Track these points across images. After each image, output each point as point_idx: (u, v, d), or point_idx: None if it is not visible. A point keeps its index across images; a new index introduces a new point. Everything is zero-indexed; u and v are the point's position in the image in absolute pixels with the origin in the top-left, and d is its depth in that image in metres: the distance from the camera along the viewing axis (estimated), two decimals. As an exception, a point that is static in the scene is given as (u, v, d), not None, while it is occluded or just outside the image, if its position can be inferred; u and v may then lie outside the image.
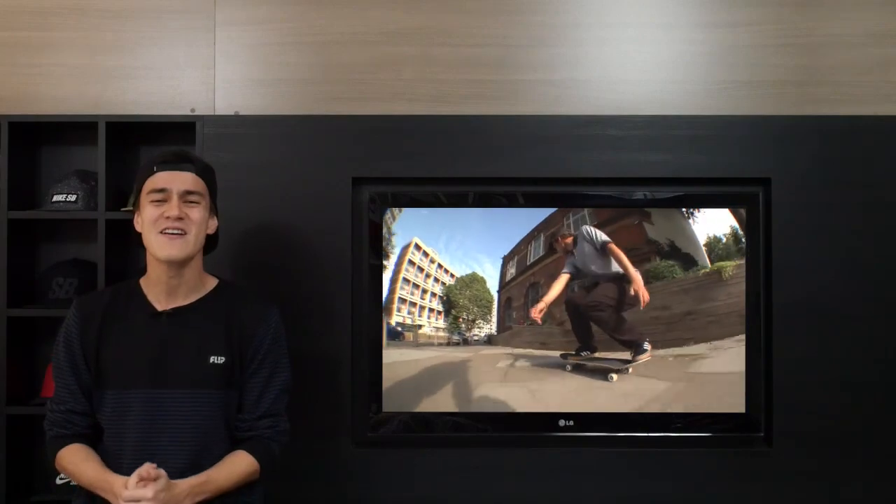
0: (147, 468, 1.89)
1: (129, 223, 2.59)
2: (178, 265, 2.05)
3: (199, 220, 2.06)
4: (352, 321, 2.64)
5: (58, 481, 2.66)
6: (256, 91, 2.68)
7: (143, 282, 2.13)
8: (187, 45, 2.69)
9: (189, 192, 2.05)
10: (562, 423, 2.65)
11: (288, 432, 2.16)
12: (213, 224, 2.14)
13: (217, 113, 2.67)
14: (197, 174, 2.08)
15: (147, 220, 2.05)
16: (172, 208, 2.02)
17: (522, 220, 2.67)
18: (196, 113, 2.66)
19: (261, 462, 2.07)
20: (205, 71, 2.68)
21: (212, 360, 2.06)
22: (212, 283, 2.15)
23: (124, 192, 2.71)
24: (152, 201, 2.04)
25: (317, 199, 2.63)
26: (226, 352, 2.07)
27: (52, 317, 2.64)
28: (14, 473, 2.63)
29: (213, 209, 2.14)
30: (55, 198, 2.64)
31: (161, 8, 2.69)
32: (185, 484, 1.94)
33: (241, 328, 2.10)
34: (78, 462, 2.02)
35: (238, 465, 2.05)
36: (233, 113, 2.67)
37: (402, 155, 2.65)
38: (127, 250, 2.75)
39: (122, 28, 2.69)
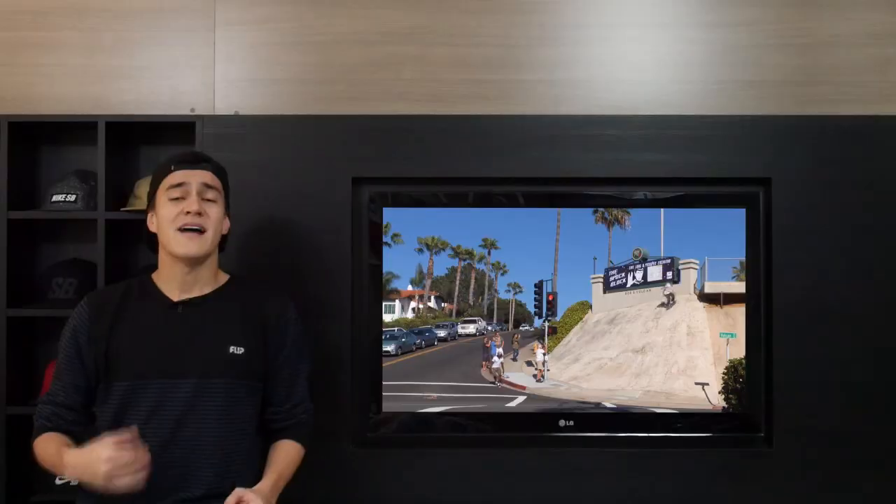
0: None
1: (130, 223, 2.62)
2: (195, 262, 2.07)
3: (217, 217, 2.09)
4: (352, 321, 2.64)
5: (57, 481, 2.66)
6: (256, 91, 2.68)
7: (155, 277, 2.14)
8: (187, 45, 2.69)
9: (207, 187, 2.07)
10: (562, 423, 2.65)
11: (313, 415, 2.24)
12: (226, 224, 2.16)
13: (217, 113, 2.67)
14: (214, 173, 2.11)
15: (165, 217, 2.05)
16: (192, 203, 2.04)
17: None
18: (196, 113, 2.66)
19: (305, 445, 2.18)
20: (205, 71, 2.68)
21: (231, 350, 2.07)
22: (224, 277, 2.18)
23: (124, 192, 2.71)
24: (171, 199, 2.05)
25: (317, 199, 2.63)
26: (245, 342, 2.09)
27: (52, 317, 2.64)
28: (14, 473, 2.64)
29: (227, 209, 2.16)
30: (55, 198, 2.64)
31: (161, 8, 2.69)
32: (266, 484, 2.02)
33: (263, 319, 2.13)
34: (46, 447, 2.03)
35: (292, 454, 2.15)
36: (233, 113, 2.67)
37: (402, 155, 2.65)
38: (127, 250, 2.75)
39: (122, 28, 2.69)
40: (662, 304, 2.69)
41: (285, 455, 2.13)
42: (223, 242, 2.18)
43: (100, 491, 1.87)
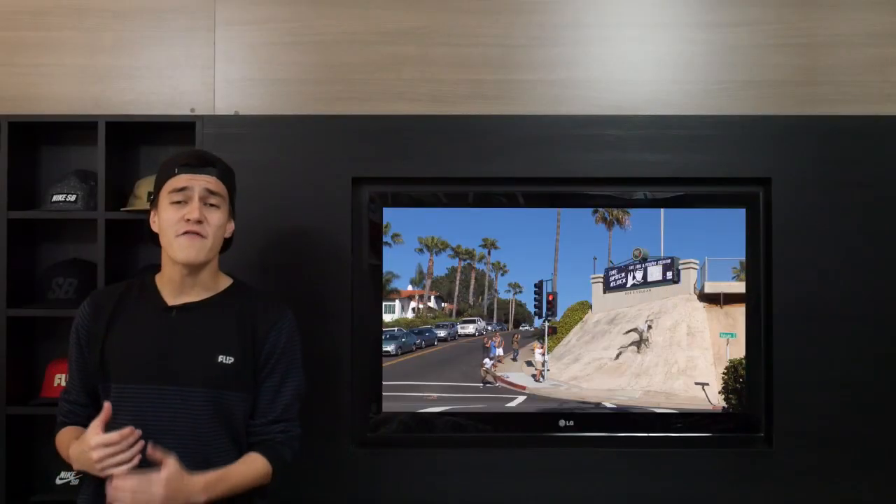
0: (151, 450, 1.88)
1: (130, 223, 2.62)
2: (195, 267, 2.04)
3: (218, 224, 2.04)
4: (352, 321, 2.64)
5: (57, 481, 2.66)
6: (256, 91, 2.68)
7: (157, 278, 2.12)
8: (187, 45, 2.69)
9: (210, 193, 2.03)
10: (562, 423, 2.65)
11: (299, 438, 2.12)
12: (230, 227, 2.11)
13: (217, 113, 2.67)
14: (218, 177, 2.06)
15: (166, 222, 2.02)
16: (193, 211, 2.00)
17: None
18: (196, 113, 2.66)
19: (273, 466, 2.05)
20: (205, 71, 2.69)
21: (220, 359, 2.03)
22: (225, 282, 2.14)
23: (124, 192, 2.71)
24: (173, 202, 2.02)
25: (317, 199, 2.63)
26: (235, 352, 2.04)
27: (51, 317, 2.64)
28: (14, 473, 2.64)
29: (231, 212, 2.12)
30: (55, 198, 2.64)
31: (161, 8, 2.69)
32: (200, 478, 1.92)
33: (254, 330, 2.08)
34: (62, 440, 2.04)
35: (252, 466, 2.02)
36: (233, 113, 2.67)
37: (402, 155, 2.65)
38: (127, 250, 2.75)
39: (122, 28, 2.69)
40: (634, 344, 2.69)
41: (244, 464, 2.00)
42: (226, 245, 2.14)
43: (102, 476, 1.87)
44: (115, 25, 2.69)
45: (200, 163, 2.06)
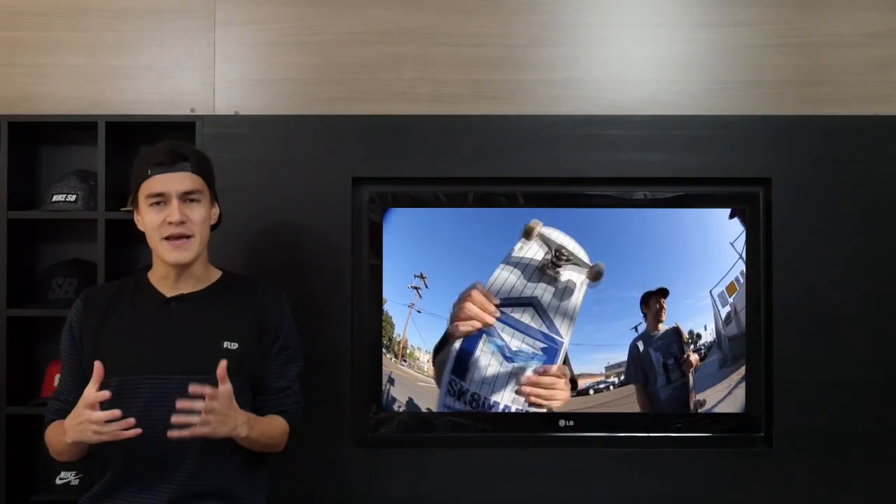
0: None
1: (130, 223, 2.61)
2: (185, 264, 2.06)
3: (201, 219, 2.05)
4: (352, 321, 2.64)
5: (57, 481, 2.66)
6: (256, 91, 2.68)
7: (150, 275, 2.13)
8: (187, 45, 2.69)
9: (188, 193, 2.04)
10: (562, 423, 2.65)
11: (303, 412, 2.18)
12: (214, 213, 2.12)
13: (217, 113, 2.67)
14: (194, 171, 2.05)
15: (149, 225, 2.03)
16: (174, 213, 2.00)
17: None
18: (196, 113, 2.66)
19: (290, 428, 2.11)
20: (204, 71, 2.69)
21: (225, 345, 2.04)
22: (216, 273, 2.16)
23: (124, 192, 2.70)
24: (152, 205, 2.03)
25: (317, 199, 2.63)
26: (239, 338, 2.06)
27: (52, 317, 2.63)
28: (14, 473, 2.63)
29: (214, 198, 2.12)
30: (55, 198, 2.64)
31: (161, 8, 2.69)
32: (243, 412, 1.95)
33: (260, 314, 2.11)
34: (52, 432, 2.04)
35: (275, 421, 2.07)
36: (232, 113, 2.67)
37: (402, 155, 2.65)
38: (127, 250, 2.75)
39: (122, 28, 2.69)
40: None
41: (268, 419, 2.06)
42: (215, 227, 2.14)
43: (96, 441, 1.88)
44: (115, 25, 2.69)
45: (173, 159, 2.04)
